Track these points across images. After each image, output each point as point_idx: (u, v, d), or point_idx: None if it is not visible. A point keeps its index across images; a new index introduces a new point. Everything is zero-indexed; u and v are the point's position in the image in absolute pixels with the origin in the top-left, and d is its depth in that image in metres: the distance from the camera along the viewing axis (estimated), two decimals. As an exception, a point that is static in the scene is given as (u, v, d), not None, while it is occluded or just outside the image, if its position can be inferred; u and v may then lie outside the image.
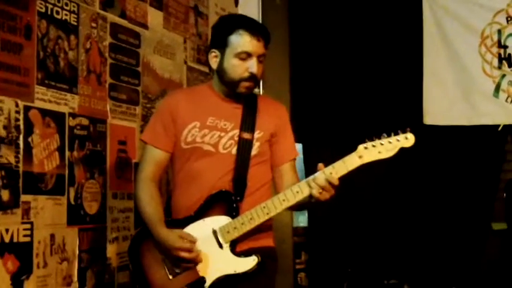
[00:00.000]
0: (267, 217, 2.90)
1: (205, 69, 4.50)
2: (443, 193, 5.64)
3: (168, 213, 3.09)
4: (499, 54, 4.93)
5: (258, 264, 2.91)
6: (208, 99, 3.07)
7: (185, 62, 4.40)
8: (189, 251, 2.89)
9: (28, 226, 3.08)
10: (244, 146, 3.00)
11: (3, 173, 2.95)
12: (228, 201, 2.95)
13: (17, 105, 3.04)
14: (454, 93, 5.06)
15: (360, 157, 2.82)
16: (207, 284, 2.91)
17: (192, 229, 2.96)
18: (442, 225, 5.66)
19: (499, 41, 4.93)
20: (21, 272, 3.03)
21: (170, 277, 2.94)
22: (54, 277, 3.23)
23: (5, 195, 2.96)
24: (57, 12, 3.30)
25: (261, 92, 4.96)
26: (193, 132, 3.02)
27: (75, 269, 3.37)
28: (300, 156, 5.69)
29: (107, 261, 3.60)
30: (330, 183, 2.81)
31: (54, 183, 3.24)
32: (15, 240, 3.00)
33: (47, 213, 3.20)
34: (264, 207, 2.89)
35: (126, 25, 3.82)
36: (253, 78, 2.97)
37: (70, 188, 3.35)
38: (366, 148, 2.82)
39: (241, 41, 2.94)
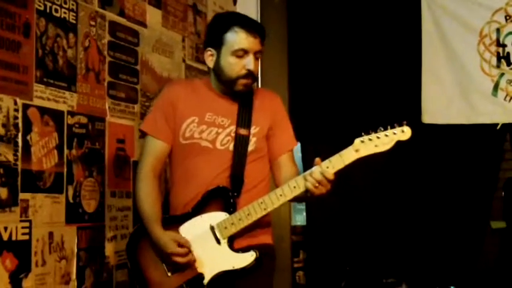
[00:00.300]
0: (264, 212, 2.90)
1: (204, 68, 4.47)
2: (442, 192, 5.65)
3: (166, 210, 3.09)
4: (498, 53, 4.92)
5: (256, 259, 2.91)
6: (206, 95, 3.06)
7: (184, 61, 4.40)
8: (183, 255, 2.90)
9: (26, 224, 3.07)
10: (241, 142, 3.00)
11: (1, 171, 2.95)
12: (225, 197, 2.96)
13: (15, 103, 3.03)
14: (453, 92, 5.05)
15: (357, 151, 2.82)
16: (206, 280, 2.91)
17: (190, 225, 2.97)
18: (441, 223, 5.66)
19: (498, 40, 4.93)
20: (20, 271, 3.03)
21: (169, 274, 2.94)
22: (53, 275, 3.23)
23: (4, 193, 2.96)
24: (56, 10, 3.30)
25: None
26: (191, 127, 3.02)
27: (73, 267, 3.36)
28: (299, 155, 5.71)
29: (105, 260, 3.59)
30: (325, 177, 2.80)
31: (52, 182, 3.24)
32: (13, 238, 3.00)
33: (46, 211, 3.19)
34: (262, 202, 2.90)
35: (124, 23, 3.82)
36: (250, 75, 2.97)
37: (68, 186, 3.34)
38: (362, 142, 2.82)
39: (238, 38, 2.94)
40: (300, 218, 6.28)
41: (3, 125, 2.96)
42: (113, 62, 3.70)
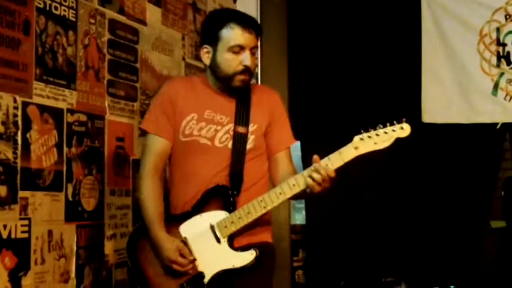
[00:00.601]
0: (264, 211, 2.90)
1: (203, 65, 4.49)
2: (441, 191, 5.65)
3: (166, 209, 3.08)
4: (498, 52, 4.92)
5: (256, 258, 2.91)
6: (204, 92, 3.06)
7: (183, 59, 4.39)
8: (183, 266, 2.89)
9: (26, 222, 3.07)
10: (239, 140, 3.00)
11: (1, 169, 2.94)
12: (224, 196, 2.95)
13: (15, 101, 3.03)
14: (453, 91, 5.05)
15: (356, 148, 2.82)
16: (206, 279, 2.91)
17: (190, 224, 2.96)
18: (440, 223, 5.66)
19: (498, 39, 4.93)
20: (19, 269, 3.02)
21: (168, 273, 2.93)
22: (52, 273, 3.22)
23: (3, 191, 2.95)
24: (56, 8, 3.29)
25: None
26: (190, 125, 3.01)
27: (72, 265, 3.36)
28: (298, 153, 5.70)
29: (104, 258, 3.59)
30: (327, 174, 2.79)
31: (52, 180, 3.23)
32: (13, 236, 2.99)
33: (45, 209, 3.18)
34: (261, 200, 2.89)
35: (124, 21, 3.81)
36: (247, 71, 2.96)
37: (68, 184, 3.34)
38: (361, 139, 2.81)
39: (233, 34, 2.94)
40: (299, 217, 6.28)
41: (3, 123, 2.96)
42: (112, 60, 3.69)
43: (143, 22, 3.98)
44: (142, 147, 3.19)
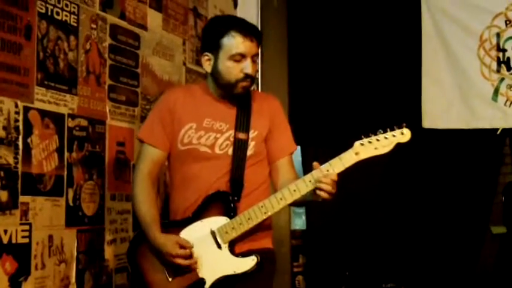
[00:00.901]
0: (264, 216, 2.90)
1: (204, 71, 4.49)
2: (441, 197, 5.65)
3: (166, 215, 3.08)
4: (498, 58, 4.92)
5: (257, 264, 2.90)
6: (203, 100, 3.06)
7: (184, 64, 4.39)
8: (186, 257, 2.89)
9: (26, 227, 3.06)
10: (239, 147, 3.00)
11: (2, 173, 2.94)
12: (225, 202, 2.95)
13: (16, 105, 3.02)
14: (453, 96, 5.05)
15: (357, 154, 2.82)
16: (207, 285, 2.91)
17: (190, 230, 2.96)
18: (440, 228, 5.66)
19: (498, 45, 4.93)
20: (19, 274, 3.02)
21: (170, 279, 2.93)
22: (52, 278, 3.21)
23: (4, 196, 2.95)
24: (57, 13, 3.29)
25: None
26: (189, 134, 3.02)
27: (73, 270, 3.35)
28: (299, 159, 5.70)
29: (104, 263, 3.58)
30: (329, 177, 2.79)
31: (52, 184, 3.23)
32: (13, 241, 2.98)
33: (46, 214, 3.18)
34: (262, 206, 2.89)
35: (125, 26, 3.81)
36: (249, 77, 2.97)
37: (69, 189, 3.34)
38: (362, 144, 2.82)
39: (235, 42, 2.94)
40: (299, 222, 6.27)
41: (4, 128, 2.96)
42: (113, 65, 3.70)
43: (144, 27, 3.98)
44: (138, 154, 3.20)
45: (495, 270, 6.08)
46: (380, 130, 2.82)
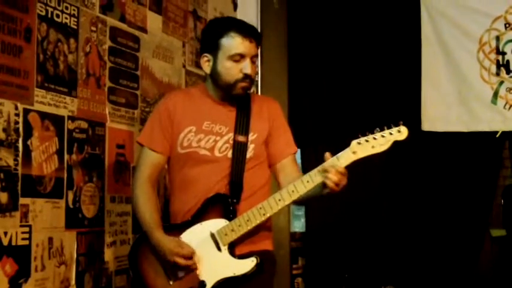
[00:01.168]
0: (263, 218, 2.91)
1: (203, 73, 4.50)
2: (441, 199, 5.65)
3: (166, 218, 3.09)
4: (497, 61, 4.92)
5: (257, 265, 2.91)
6: (203, 103, 3.07)
7: (184, 66, 4.40)
8: (187, 257, 2.89)
9: (26, 229, 3.07)
10: (239, 149, 3.01)
11: (2, 175, 2.94)
12: (224, 204, 2.96)
13: (16, 108, 3.03)
14: (452, 99, 5.05)
15: (354, 153, 2.81)
16: (207, 287, 2.91)
17: (190, 233, 2.97)
18: (440, 231, 5.66)
19: (497, 48, 4.93)
20: (19, 276, 3.02)
21: (170, 282, 2.94)
22: (52, 280, 3.22)
23: (4, 198, 2.95)
24: (57, 16, 3.30)
25: (259, 97, 4.96)
26: (189, 137, 3.03)
27: (72, 272, 3.36)
28: (298, 161, 5.70)
29: (104, 265, 3.59)
30: (336, 170, 2.77)
31: (52, 187, 3.23)
32: (13, 243, 2.99)
33: (45, 216, 3.19)
34: (261, 208, 2.90)
35: (125, 29, 3.82)
36: (248, 78, 2.98)
37: (68, 191, 3.34)
38: (359, 143, 2.81)
39: (234, 43, 2.95)
40: (298, 225, 6.27)
41: (4, 130, 2.96)
42: (113, 67, 3.70)
43: (144, 30, 3.99)
44: (137, 158, 3.20)
45: (495, 273, 6.08)
46: (377, 128, 2.81)
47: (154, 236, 2.94)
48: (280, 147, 3.10)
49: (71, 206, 3.35)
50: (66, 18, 3.36)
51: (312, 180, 2.85)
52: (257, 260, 2.91)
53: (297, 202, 3.01)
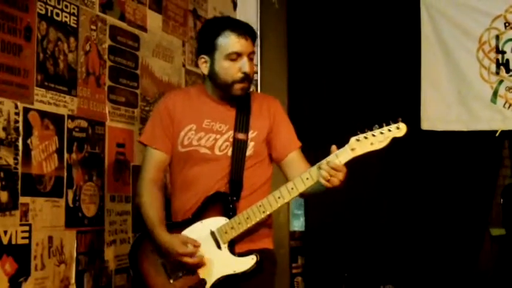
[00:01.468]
0: (263, 215, 2.91)
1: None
2: (440, 198, 5.65)
3: (167, 217, 3.09)
4: (497, 60, 4.92)
5: (257, 263, 2.91)
6: (202, 101, 3.08)
7: (183, 65, 4.40)
8: (192, 256, 2.89)
9: (26, 228, 3.07)
10: (239, 147, 3.01)
11: (2, 174, 2.94)
12: (224, 202, 2.96)
13: (16, 106, 3.03)
14: (452, 98, 5.05)
15: (353, 150, 2.81)
16: (208, 285, 2.92)
17: (190, 231, 2.97)
18: (439, 230, 5.66)
19: (497, 47, 4.92)
20: (19, 274, 3.02)
21: (171, 281, 2.94)
22: (52, 279, 3.22)
23: (4, 196, 2.95)
24: (57, 14, 3.30)
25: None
26: (189, 135, 3.03)
27: (72, 271, 3.35)
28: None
29: (104, 264, 3.59)
30: (333, 168, 2.78)
31: (52, 186, 3.23)
32: (13, 242, 2.99)
33: (45, 215, 3.19)
34: (260, 205, 2.90)
35: (125, 28, 3.82)
36: (246, 78, 2.98)
37: (68, 190, 3.34)
38: (358, 140, 2.81)
39: (229, 42, 2.96)
40: (297, 224, 6.27)
41: (4, 129, 2.96)
42: (113, 66, 3.70)
43: (144, 29, 3.99)
44: (142, 158, 3.20)
45: (494, 272, 6.08)
46: (376, 125, 2.81)
47: (159, 235, 2.94)
48: (283, 143, 3.10)
49: (71, 205, 3.35)
50: (66, 17, 3.36)
51: (312, 177, 2.85)
52: (257, 258, 2.92)
53: (302, 196, 3.00)
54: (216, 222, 2.95)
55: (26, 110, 3.08)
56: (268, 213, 2.92)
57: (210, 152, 3.01)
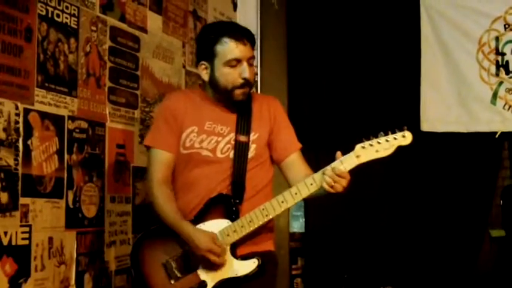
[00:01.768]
0: (266, 219, 2.91)
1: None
2: (440, 200, 5.65)
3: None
4: (497, 61, 4.93)
5: (258, 266, 2.91)
6: (204, 104, 3.08)
7: (184, 66, 4.40)
8: (219, 255, 2.88)
9: (26, 229, 3.06)
10: (240, 149, 3.01)
11: (2, 175, 2.94)
12: (227, 205, 2.96)
13: (16, 107, 3.03)
14: (451, 100, 5.06)
15: (358, 157, 2.81)
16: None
17: (192, 233, 2.97)
18: (439, 231, 5.66)
19: (497, 48, 4.93)
20: (19, 275, 3.01)
21: (172, 282, 2.94)
22: (52, 280, 3.21)
23: (4, 197, 2.95)
24: (58, 15, 3.30)
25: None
26: (191, 137, 3.03)
27: (72, 272, 3.35)
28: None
29: (104, 265, 3.58)
30: (337, 174, 2.79)
31: (52, 186, 3.23)
32: (13, 243, 2.98)
33: (46, 216, 3.18)
34: (263, 209, 2.90)
35: (125, 29, 3.82)
36: (247, 84, 2.98)
37: (68, 191, 3.34)
38: (363, 147, 2.81)
39: (228, 48, 2.95)
40: (297, 225, 6.27)
41: (4, 130, 2.96)
42: (113, 67, 3.70)
43: (144, 30, 3.99)
44: (147, 162, 3.19)
45: (494, 273, 6.08)
46: (381, 133, 2.81)
47: (186, 229, 2.92)
48: (283, 144, 3.10)
49: (71, 206, 3.35)
50: (66, 18, 3.36)
51: (316, 182, 2.85)
52: (259, 262, 2.91)
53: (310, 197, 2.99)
54: (218, 224, 2.95)
55: (27, 111, 3.08)
56: (271, 217, 2.92)
57: (212, 154, 3.01)
